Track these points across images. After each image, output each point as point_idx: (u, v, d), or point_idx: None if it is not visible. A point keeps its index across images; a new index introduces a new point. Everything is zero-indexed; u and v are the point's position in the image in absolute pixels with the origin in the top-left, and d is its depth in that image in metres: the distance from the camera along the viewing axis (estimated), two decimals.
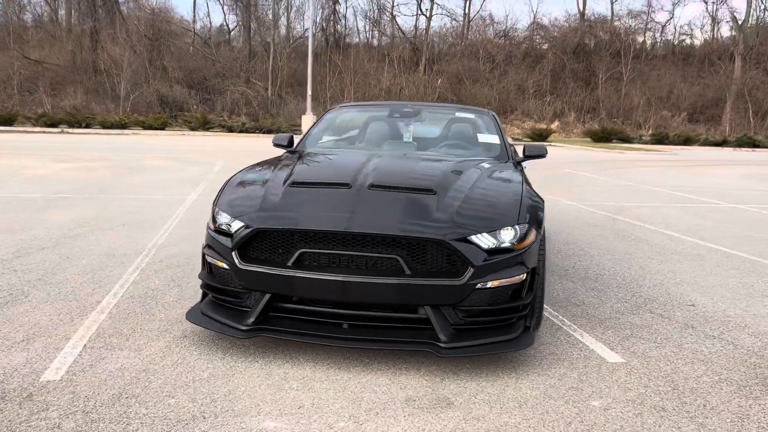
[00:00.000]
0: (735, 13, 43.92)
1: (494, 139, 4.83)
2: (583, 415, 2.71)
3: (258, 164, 4.25)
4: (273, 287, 3.17)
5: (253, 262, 3.20)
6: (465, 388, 2.95)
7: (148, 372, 3.04)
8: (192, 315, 3.46)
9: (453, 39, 50.21)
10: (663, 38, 52.83)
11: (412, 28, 49.51)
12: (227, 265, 3.28)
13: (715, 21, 54.47)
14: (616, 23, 50.34)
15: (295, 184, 3.50)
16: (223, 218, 3.41)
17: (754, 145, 30.02)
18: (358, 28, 57.00)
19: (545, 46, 48.43)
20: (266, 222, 3.21)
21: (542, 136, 30.23)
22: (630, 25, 51.36)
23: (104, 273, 4.73)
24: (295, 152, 4.63)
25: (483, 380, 3.03)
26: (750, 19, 44.70)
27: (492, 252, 3.11)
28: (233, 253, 3.22)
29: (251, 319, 3.20)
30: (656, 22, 57.47)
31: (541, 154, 4.73)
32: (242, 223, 3.28)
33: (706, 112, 42.31)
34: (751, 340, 3.71)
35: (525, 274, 3.20)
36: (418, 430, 2.55)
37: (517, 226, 3.23)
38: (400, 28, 48.54)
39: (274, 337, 3.28)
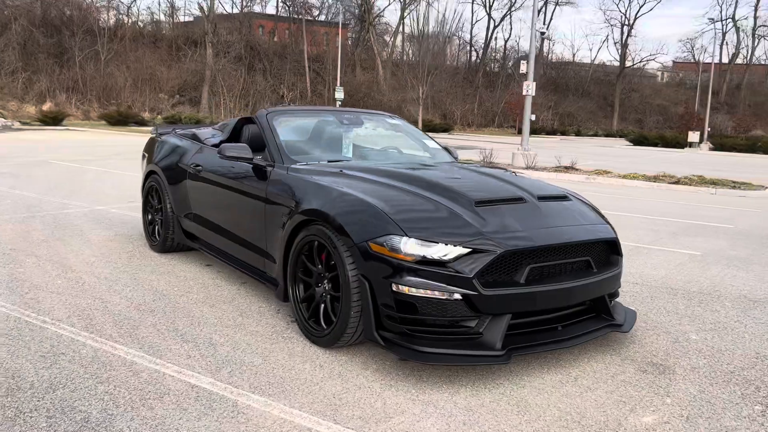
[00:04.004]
0: (202, 3, 47.67)
1: (434, 144, 5.30)
2: (715, 341, 3.93)
3: (344, 186, 3.74)
4: (514, 307, 3.28)
5: (489, 287, 3.21)
6: (638, 354, 3.77)
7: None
8: (414, 356, 3.17)
9: None
10: (130, 20, 53.23)
11: None
12: (455, 294, 3.16)
13: (174, 8, 57.96)
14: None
15: (479, 203, 3.51)
16: (418, 246, 3.20)
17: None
18: None
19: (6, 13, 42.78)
20: (511, 244, 3.25)
21: (56, 119, 27.34)
22: (94, 2, 50.12)
23: None
24: (304, 169, 4.16)
25: (631, 349, 3.87)
26: (215, 9, 49.20)
27: None
28: (474, 281, 3.16)
29: (499, 343, 3.22)
30: (121, 2, 57.35)
31: (456, 157, 5.46)
32: (466, 249, 3.20)
33: (188, 94, 45.14)
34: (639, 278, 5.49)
35: None
36: (697, 390, 3.33)
37: None
38: None
39: (522, 355, 3.35)
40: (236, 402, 2.93)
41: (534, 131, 50.27)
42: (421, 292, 3.17)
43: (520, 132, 48.63)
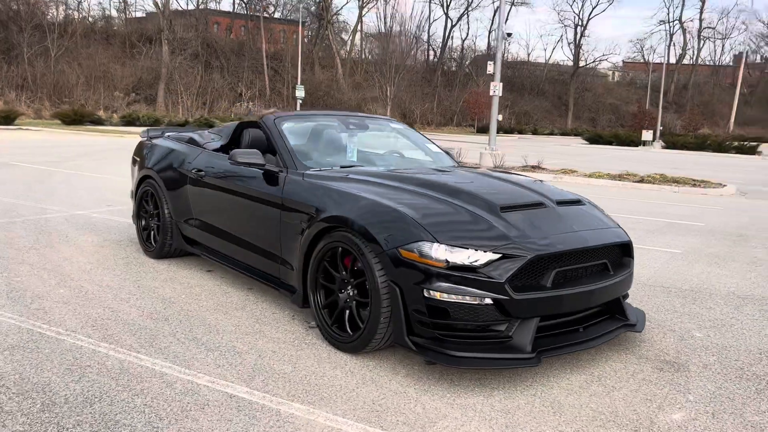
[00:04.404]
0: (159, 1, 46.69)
1: (436, 148, 5.36)
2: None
3: (366, 192, 3.76)
4: (542, 310, 3.37)
5: (519, 291, 3.29)
6: (651, 353, 3.91)
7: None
8: (447, 361, 3.22)
9: None
10: (81, 15, 51.83)
11: None
12: (486, 299, 3.23)
13: (126, 3, 56.65)
14: None
15: (503, 208, 3.58)
16: (449, 252, 3.24)
17: (209, 125, 33.46)
18: None
19: None
20: (539, 249, 3.34)
21: (8, 118, 26.36)
22: None
23: None
24: (317, 174, 4.17)
25: (643, 348, 4.02)
26: (170, 5, 48.20)
27: None
28: (506, 286, 3.23)
29: (530, 346, 3.31)
30: None
31: (458, 161, 5.53)
32: (497, 255, 3.27)
33: (143, 92, 44.19)
34: None
35: None
36: (714, 386, 3.49)
37: None
38: None
39: (549, 357, 3.44)
40: (279, 411, 2.94)
41: None
42: (453, 298, 3.23)
43: (479, 131, 49.33)
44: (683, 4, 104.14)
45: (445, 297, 3.23)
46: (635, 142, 38.65)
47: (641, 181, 15.01)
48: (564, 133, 55.72)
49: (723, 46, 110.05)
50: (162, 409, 2.90)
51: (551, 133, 54.92)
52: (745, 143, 34.99)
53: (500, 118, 20.01)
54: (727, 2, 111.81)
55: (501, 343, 3.32)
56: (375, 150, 5.15)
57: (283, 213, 4.12)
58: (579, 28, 66.90)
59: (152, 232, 5.66)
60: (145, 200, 5.75)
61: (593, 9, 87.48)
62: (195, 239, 5.19)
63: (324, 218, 3.75)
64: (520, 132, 53.17)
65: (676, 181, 14.88)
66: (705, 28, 72.04)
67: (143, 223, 5.80)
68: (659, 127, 41.29)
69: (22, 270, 5.07)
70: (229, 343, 3.74)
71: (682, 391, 3.33)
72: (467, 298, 3.22)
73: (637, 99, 63.00)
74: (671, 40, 69.57)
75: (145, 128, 6.66)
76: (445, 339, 3.29)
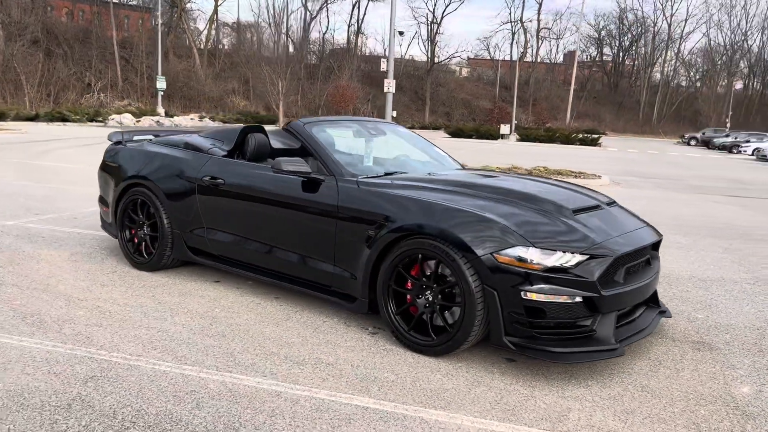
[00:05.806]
0: None
1: (441, 151, 5.52)
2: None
3: (439, 199, 3.86)
4: (620, 304, 3.70)
5: (604, 287, 3.61)
6: (678, 335, 4.41)
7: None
8: (547, 356, 3.45)
9: None
10: None
11: None
12: (577, 297, 3.50)
13: None
14: None
15: (575, 211, 3.86)
16: (542, 255, 3.48)
17: (63, 119, 30.86)
18: None
19: None
20: (618, 249, 3.66)
21: None
22: None
23: None
24: (369, 181, 4.21)
25: (668, 331, 4.49)
26: None
27: None
28: (597, 284, 3.53)
29: (613, 338, 3.63)
30: None
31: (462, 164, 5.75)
32: (585, 256, 3.55)
33: None
34: None
35: None
36: (749, 360, 4.03)
37: None
38: None
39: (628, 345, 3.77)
40: (422, 418, 3.01)
41: None
42: (549, 298, 3.46)
43: None
44: (523, 6, 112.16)
45: (541, 297, 3.45)
46: (494, 135, 41.08)
47: (530, 173, 16.13)
48: (423, 127, 57.64)
49: (557, 45, 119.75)
50: (311, 427, 2.86)
51: (412, 127, 56.51)
52: (589, 136, 38.51)
53: (395, 114, 20.49)
54: (560, 5, 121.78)
55: (588, 336, 3.60)
56: (384, 155, 5.22)
57: (340, 222, 4.11)
58: (433, 24, 69.53)
59: (144, 244, 5.31)
60: (131, 210, 5.37)
61: (446, 7, 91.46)
62: (207, 250, 4.96)
63: (399, 227, 3.81)
64: None
65: (559, 173, 16.15)
66: (542, 28, 77.97)
67: (127, 234, 5.43)
68: (514, 121, 44.21)
69: (11, 292, 4.57)
70: (310, 355, 3.70)
71: (730, 367, 3.82)
72: (562, 297, 3.47)
73: (486, 94, 66.76)
74: (513, 38, 74.55)
75: (115, 131, 6.17)
76: (540, 337, 3.52)
